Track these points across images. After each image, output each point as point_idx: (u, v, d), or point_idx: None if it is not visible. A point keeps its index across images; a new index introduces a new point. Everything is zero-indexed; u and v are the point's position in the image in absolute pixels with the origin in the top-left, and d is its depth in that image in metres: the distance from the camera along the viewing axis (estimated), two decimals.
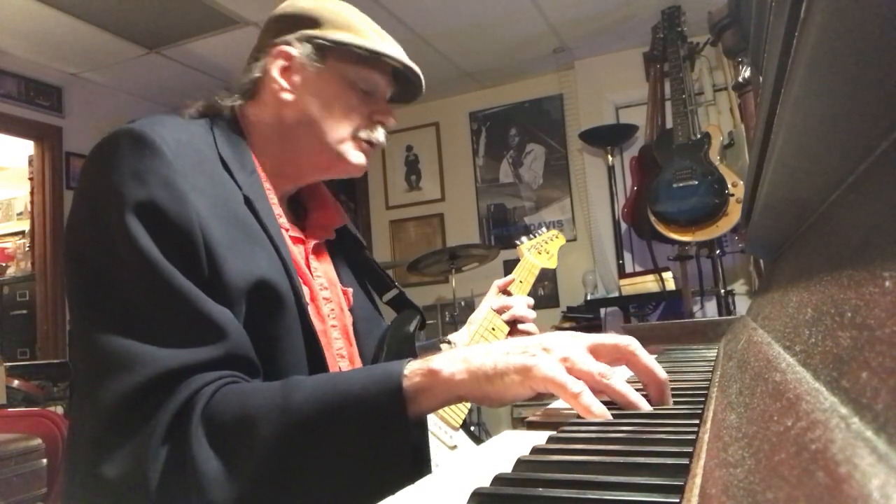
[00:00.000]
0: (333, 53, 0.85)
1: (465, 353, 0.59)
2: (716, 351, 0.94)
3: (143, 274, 0.64)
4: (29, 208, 3.82)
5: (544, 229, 1.38)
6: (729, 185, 2.91)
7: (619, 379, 0.55)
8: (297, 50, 0.84)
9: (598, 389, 0.54)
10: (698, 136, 3.08)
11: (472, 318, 1.12)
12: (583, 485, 0.35)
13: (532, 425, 0.59)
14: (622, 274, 3.60)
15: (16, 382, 2.70)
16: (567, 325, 3.73)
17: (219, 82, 0.93)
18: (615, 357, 0.59)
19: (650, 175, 3.26)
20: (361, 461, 0.56)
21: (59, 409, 2.60)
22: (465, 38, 3.58)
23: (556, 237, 1.37)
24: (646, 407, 0.54)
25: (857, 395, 0.19)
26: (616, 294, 3.54)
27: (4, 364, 2.61)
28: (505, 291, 1.18)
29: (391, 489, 0.40)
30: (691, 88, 3.25)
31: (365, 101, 0.88)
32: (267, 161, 0.85)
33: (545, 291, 4.04)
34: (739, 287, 3.44)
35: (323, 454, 0.57)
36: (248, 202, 0.76)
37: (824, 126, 0.35)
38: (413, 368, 0.58)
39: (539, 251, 1.31)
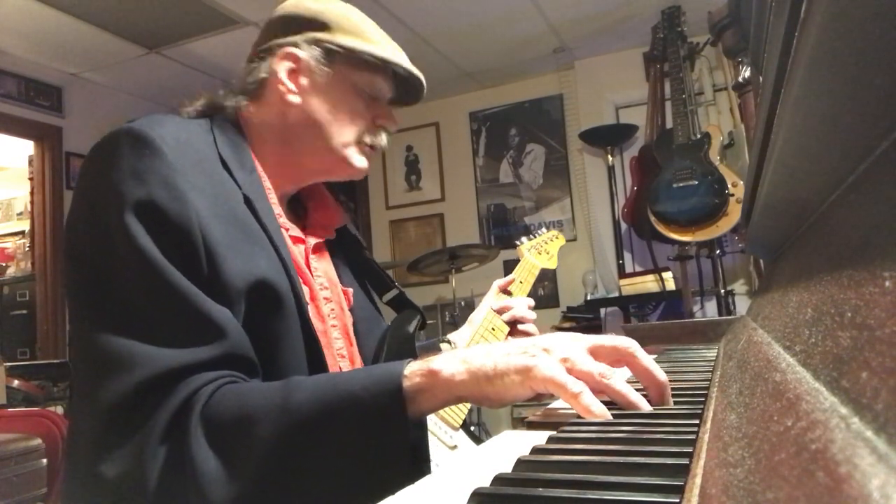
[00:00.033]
0: (342, 58, 0.84)
1: (465, 353, 0.59)
2: (716, 351, 0.94)
3: (143, 273, 0.64)
4: (29, 208, 3.82)
5: (544, 229, 1.39)
6: (729, 185, 2.91)
7: (619, 379, 0.55)
8: (306, 53, 0.84)
9: (598, 390, 0.54)
10: (698, 136, 3.08)
11: (471, 317, 1.12)
12: (583, 485, 0.35)
13: (532, 425, 0.59)
14: (622, 274, 3.60)
15: (16, 382, 2.70)
16: (567, 325, 3.73)
17: (219, 82, 0.93)
18: (615, 358, 0.59)
19: (650, 175, 3.26)
20: (361, 461, 0.57)
21: (59, 409, 2.60)
22: (465, 38, 3.58)
23: (556, 237, 1.37)
24: (646, 407, 0.54)
25: (857, 395, 0.19)
26: (616, 294, 3.54)
27: (4, 364, 2.61)
28: (505, 292, 1.18)
29: (391, 489, 0.40)
30: (691, 88, 3.25)
31: (369, 105, 0.88)
32: (268, 161, 0.85)
33: (545, 291, 4.04)
34: (739, 287, 3.44)
35: (323, 454, 0.57)
36: (247, 201, 0.75)
37: (824, 126, 0.35)
38: (413, 369, 0.58)
39: (539, 251, 1.31)
